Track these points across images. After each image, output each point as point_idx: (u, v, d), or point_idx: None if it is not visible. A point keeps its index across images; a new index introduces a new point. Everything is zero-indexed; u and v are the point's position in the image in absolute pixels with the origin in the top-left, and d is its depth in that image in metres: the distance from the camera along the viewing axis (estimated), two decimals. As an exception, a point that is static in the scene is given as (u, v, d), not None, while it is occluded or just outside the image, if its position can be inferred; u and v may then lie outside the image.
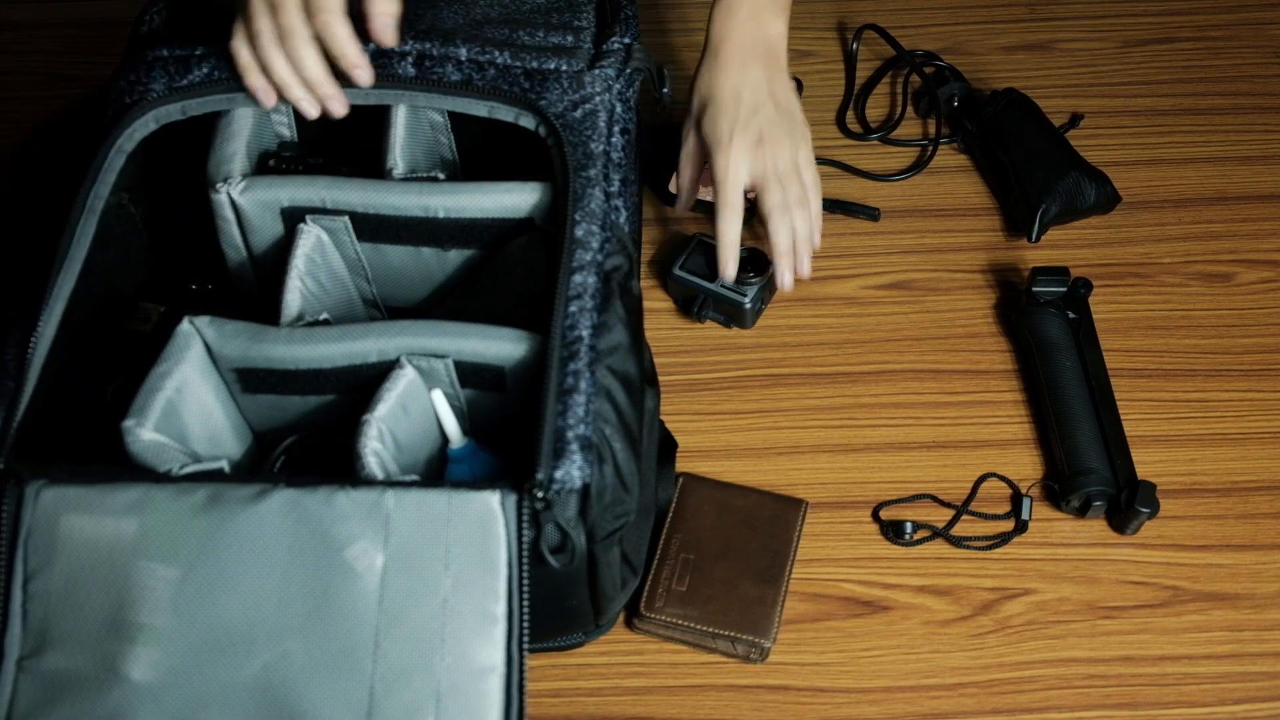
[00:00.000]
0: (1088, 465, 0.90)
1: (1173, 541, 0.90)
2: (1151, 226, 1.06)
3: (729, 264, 0.94)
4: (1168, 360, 0.98)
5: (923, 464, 0.93)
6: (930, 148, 1.11)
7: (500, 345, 0.76)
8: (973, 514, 0.91)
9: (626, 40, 0.89)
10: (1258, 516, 0.91)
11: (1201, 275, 1.03)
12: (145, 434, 0.72)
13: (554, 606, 0.76)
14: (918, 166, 1.10)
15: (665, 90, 0.97)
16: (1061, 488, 0.90)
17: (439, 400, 0.78)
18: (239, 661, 0.66)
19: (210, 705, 0.65)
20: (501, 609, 0.67)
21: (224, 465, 0.74)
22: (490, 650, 0.67)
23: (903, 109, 1.14)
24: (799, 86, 1.14)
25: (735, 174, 0.92)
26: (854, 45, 1.18)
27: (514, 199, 0.83)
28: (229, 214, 0.84)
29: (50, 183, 0.86)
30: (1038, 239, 1.03)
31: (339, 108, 0.82)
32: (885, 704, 0.84)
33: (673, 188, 1.07)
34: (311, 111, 0.82)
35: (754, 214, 0.95)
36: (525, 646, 0.67)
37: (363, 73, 0.81)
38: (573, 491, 0.70)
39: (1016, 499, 0.92)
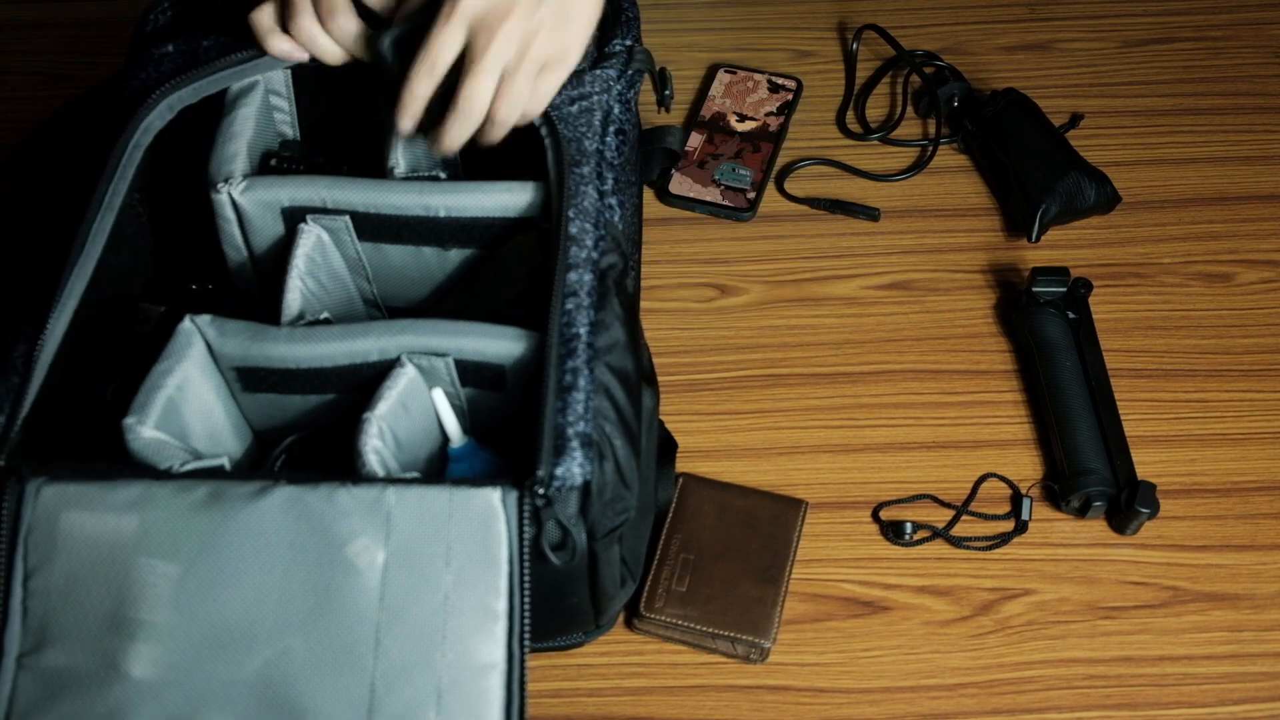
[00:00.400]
0: (1088, 465, 0.90)
1: (1173, 542, 0.90)
2: (1151, 226, 1.06)
3: (406, 118, 0.80)
4: (1168, 360, 0.98)
5: (923, 464, 0.94)
6: (930, 148, 1.11)
7: (501, 344, 0.76)
8: (973, 514, 0.91)
9: (628, 42, 0.90)
10: (1258, 517, 0.91)
11: (1201, 275, 1.03)
12: (146, 431, 0.72)
13: (554, 605, 0.76)
14: (918, 166, 1.10)
15: (668, 93, 0.97)
16: (1061, 488, 0.90)
17: (439, 399, 0.78)
18: (240, 658, 0.66)
19: (211, 702, 0.65)
20: (503, 606, 0.67)
21: (225, 463, 0.74)
22: (491, 647, 0.67)
23: (903, 109, 1.14)
24: (799, 86, 1.14)
25: (444, 40, 0.77)
26: (854, 45, 1.18)
27: (515, 198, 0.83)
28: (230, 214, 0.84)
29: (55, 181, 0.85)
30: (1038, 239, 1.03)
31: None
32: (885, 704, 0.84)
33: (673, 188, 1.07)
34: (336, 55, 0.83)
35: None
36: (526, 644, 0.67)
37: None
38: (573, 488, 0.70)
39: (1016, 499, 0.92)
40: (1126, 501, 0.88)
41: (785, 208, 1.08)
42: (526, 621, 0.68)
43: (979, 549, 0.90)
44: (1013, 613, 0.87)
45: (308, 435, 0.81)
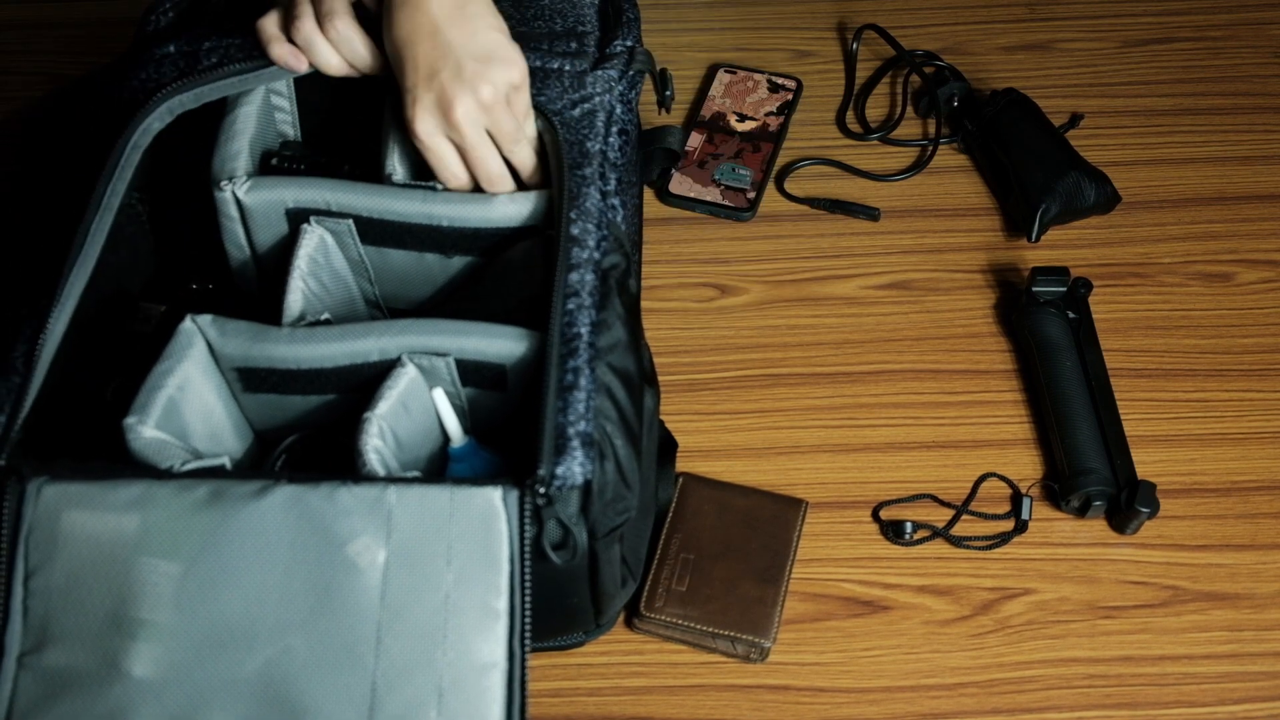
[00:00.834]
0: (1088, 465, 0.90)
1: (1173, 541, 0.90)
2: (1151, 226, 1.06)
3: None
4: (1168, 360, 0.98)
5: (923, 464, 0.94)
6: (930, 148, 1.11)
7: (502, 343, 0.76)
8: (973, 514, 0.91)
9: (629, 43, 0.90)
10: (1258, 516, 0.91)
11: (1201, 275, 1.03)
12: (147, 431, 0.72)
13: (555, 604, 0.76)
14: (918, 166, 1.10)
15: (668, 93, 0.97)
16: (1061, 488, 0.91)
17: (440, 399, 0.78)
18: (241, 657, 0.66)
19: (211, 701, 0.65)
20: (503, 605, 0.67)
21: (225, 462, 0.74)
22: (492, 646, 0.67)
23: (903, 109, 1.14)
24: (799, 86, 1.14)
25: (437, 153, 0.83)
26: (854, 45, 1.18)
27: (518, 208, 0.83)
28: (233, 212, 0.84)
29: (53, 178, 0.85)
30: (1038, 239, 1.03)
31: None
32: (885, 704, 0.84)
33: (673, 188, 1.07)
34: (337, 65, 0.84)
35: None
36: (527, 643, 0.67)
37: None
38: (574, 488, 0.70)
39: (1016, 499, 0.92)
40: (1126, 501, 0.88)
41: (785, 207, 1.08)
42: (527, 621, 0.68)
43: (979, 549, 0.90)
44: (1013, 612, 0.87)
45: (308, 435, 0.81)
